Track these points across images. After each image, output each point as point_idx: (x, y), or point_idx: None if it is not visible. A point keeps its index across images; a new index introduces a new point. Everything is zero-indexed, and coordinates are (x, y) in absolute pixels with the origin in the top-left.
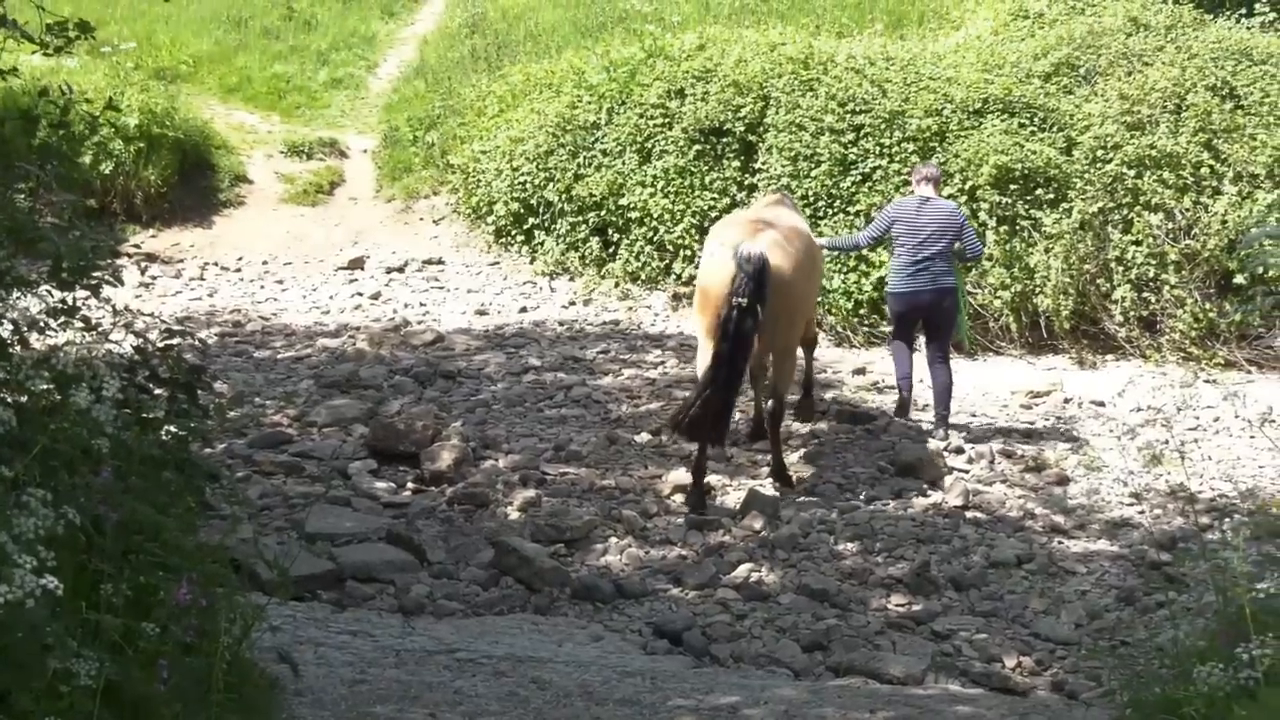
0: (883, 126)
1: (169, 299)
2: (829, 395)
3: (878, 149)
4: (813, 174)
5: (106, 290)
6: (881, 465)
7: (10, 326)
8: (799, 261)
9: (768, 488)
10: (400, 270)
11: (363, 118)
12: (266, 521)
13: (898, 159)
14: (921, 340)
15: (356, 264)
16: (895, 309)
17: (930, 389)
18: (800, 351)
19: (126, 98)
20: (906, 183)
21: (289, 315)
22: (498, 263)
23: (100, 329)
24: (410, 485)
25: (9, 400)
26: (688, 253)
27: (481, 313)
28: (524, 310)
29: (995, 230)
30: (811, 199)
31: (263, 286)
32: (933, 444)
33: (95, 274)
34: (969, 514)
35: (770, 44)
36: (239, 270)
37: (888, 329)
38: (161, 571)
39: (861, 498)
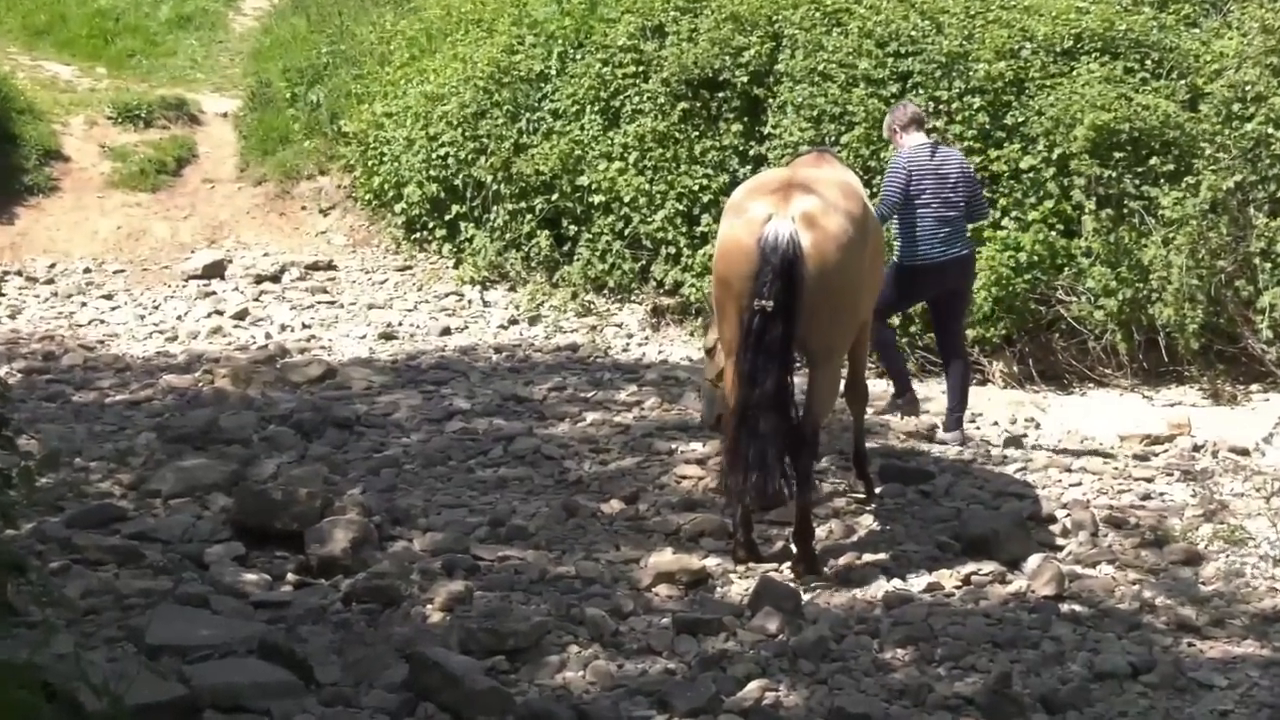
0: (938, 74)
1: None
2: (869, 444)
3: (931, 104)
4: (843, 140)
5: None
6: (942, 541)
7: None
8: (848, 238)
9: (785, 573)
10: (275, 279)
11: (221, 69)
12: (93, 630)
13: (959, 118)
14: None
15: (214, 271)
16: (911, 285)
17: (944, 383)
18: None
19: None
20: (973, 149)
21: (121, 343)
22: (410, 267)
23: None
24: (291, 577)
25: None
26: (671, 250)
27: (388, 336)
28: (447, 332)
29: (1095, 215)
30: None
31: (84, 304)
32: (949, 447)
33: None
34: (1065, 607)
35: None
36: (51, 281)
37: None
38: None
39: (916, 585)
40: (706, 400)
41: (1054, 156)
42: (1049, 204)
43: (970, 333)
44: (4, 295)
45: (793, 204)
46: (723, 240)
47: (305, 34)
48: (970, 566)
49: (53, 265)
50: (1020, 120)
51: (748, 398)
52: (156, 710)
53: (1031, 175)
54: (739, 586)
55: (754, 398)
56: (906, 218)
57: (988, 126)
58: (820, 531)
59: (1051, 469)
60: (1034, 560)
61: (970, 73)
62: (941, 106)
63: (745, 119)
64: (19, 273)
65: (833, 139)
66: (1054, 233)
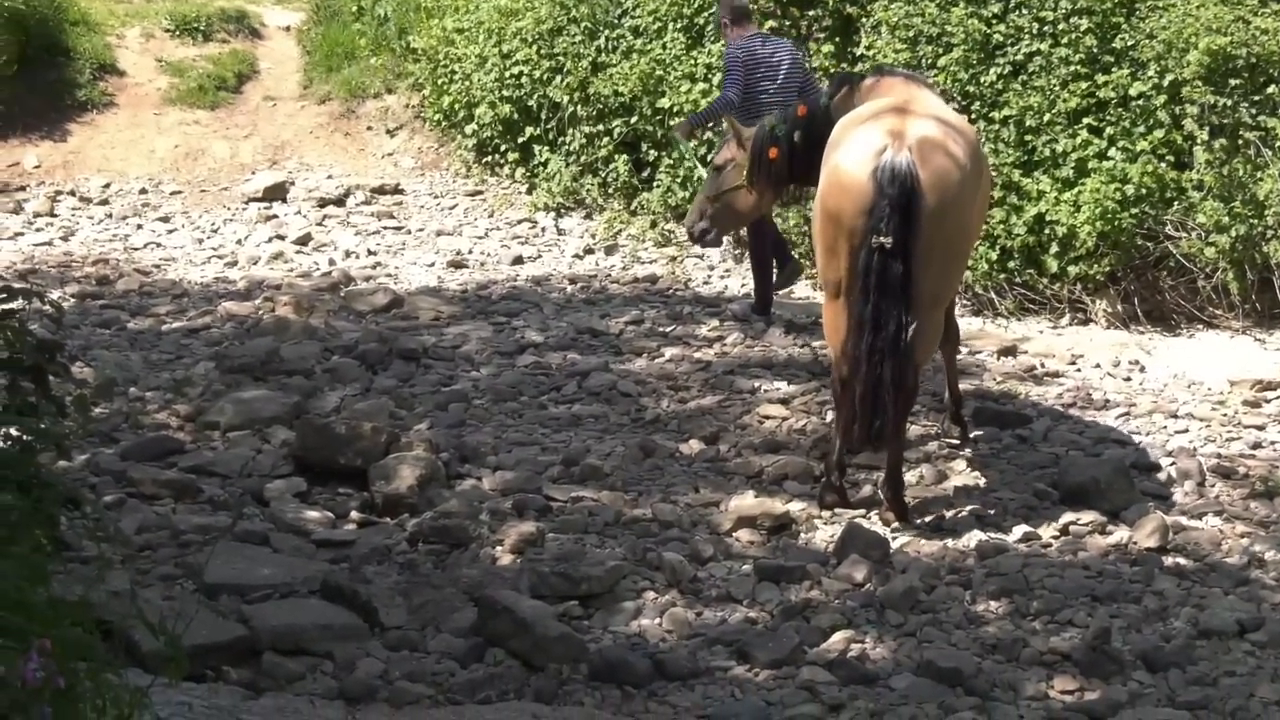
0: None
1: (5, 243)
2: (964, 385)
3: (1035, 26)
4: (940, 63)
5: None
6: (1040, 488)
7: None
8: (965, 172)
9: (873, 520)
10: (339, 203)
11: None
12: (149, 567)
13: (1065, 41)
14: None
15: (275, 193)
16: None
17: None
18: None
19: None
20: (1079, 74)
21: (178, 268)
22: (480, 192)
23: None
24: (355, 515)
25: None
26: None
27: (457, 265)
28: (519, 261)
29: (1207, 146)
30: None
31: (140, 226)
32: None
33: None
34: (1168, 560)
35: None
36: (106, 202)
37: (1045, 285)
38: (0, 638)
39: (1012, 535)
40: (696, 207)
41: (1165, 83)
42: (1159, 134)
43: (1072, 269)
44: (57, 216)
45: (909, 134)
46: (833, 173)
47: None
48: (1069, 516)
49: (107, 185)
50: (1130, 44)
51: (871, 343)
52: (215, 651)
53: (1141, 103)
54: (824, 533)
55: (878, 342)
56: (746, 107)
57: (1095, 50)
58: (911, 477)
59: (1156, 414)
60: (1136, 511)
61: None
62: (1046, 28)
63: (837, 39)
64: (72, 192)
65: (929, 61)
66: (1163, 164)
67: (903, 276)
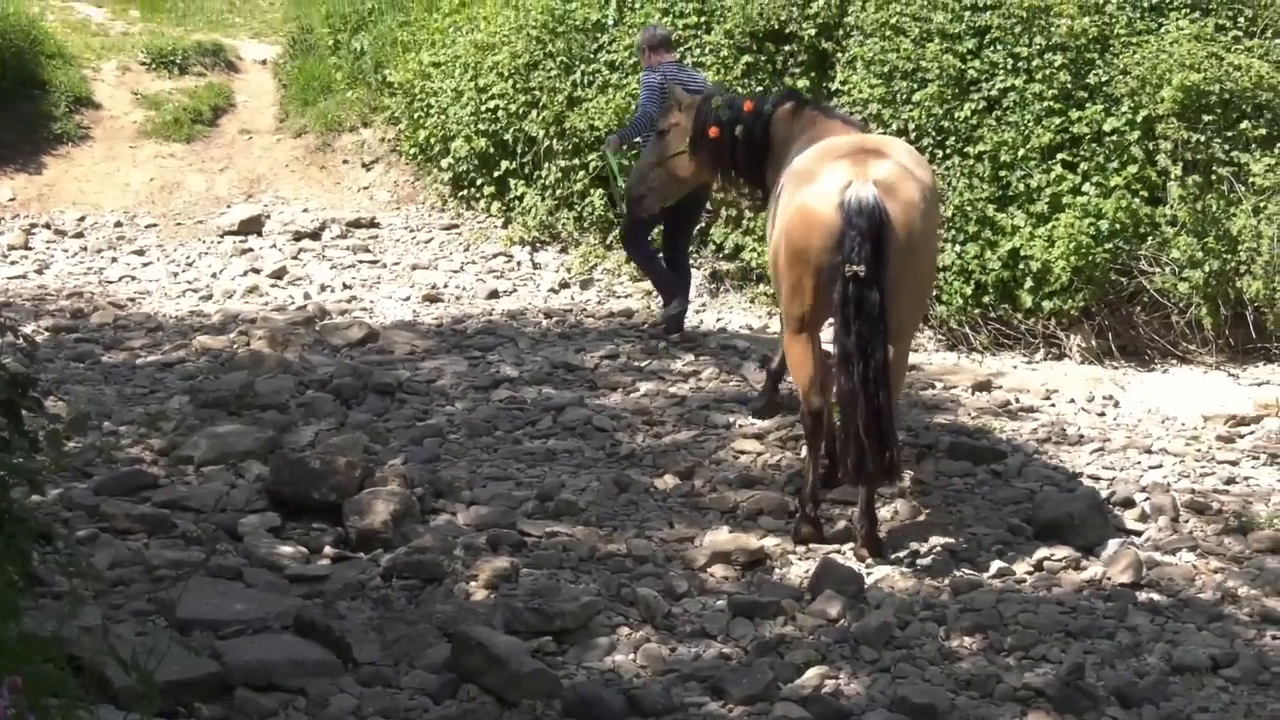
0: (1018, 30)
1: None
2: (938, 420)
3: (1010, 62)
4: (915, 98)
5: None
6: (1014, 524)
7: None
8: (926, 205)
9: (848, 556)
10: (315, 236)
11: (260, 14)
12: (121, 602)
13: (1039, 76)
14: None
15: (251, 226)
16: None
17: None
18: None
19: None
20: (1053, 110)
21: (153, 301)
22: (456, 226)
23: None
24: (329, 550)
25: None
26: (731, 212)
27: (433, 299)
28: (495, 295)
29: (1181, 181)
30: (914, 134)
31: (115, 259)
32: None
33: None
34: (1142, 595)
35: None
36: (81, 235)
37: (1020, 320)
38: None
39: (987, 571)
40: (639, 171)
41: (1139, 119)
42: (1133, 169)
43: (1047, 304)
44: (31, 249)
45: (870, 169)
46: (799, 210)
47: None
48: (1043, 551)
49: (82, 218)
50: (1104, 79)
51: (864, 373)
52: (187, 687)
53: (1115, 138)
54: (799, 568)
55: (869, 371)
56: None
57: (1069, 86)
58: (885, 513)
59: (1130, 450)
60: (1111, 546)
61: (1052, 28)
62: (1020, 64)
63: (812, 74)
64: (47, 225)
65: (904, 97)
66: (1137, 200)
67: (880, 304)
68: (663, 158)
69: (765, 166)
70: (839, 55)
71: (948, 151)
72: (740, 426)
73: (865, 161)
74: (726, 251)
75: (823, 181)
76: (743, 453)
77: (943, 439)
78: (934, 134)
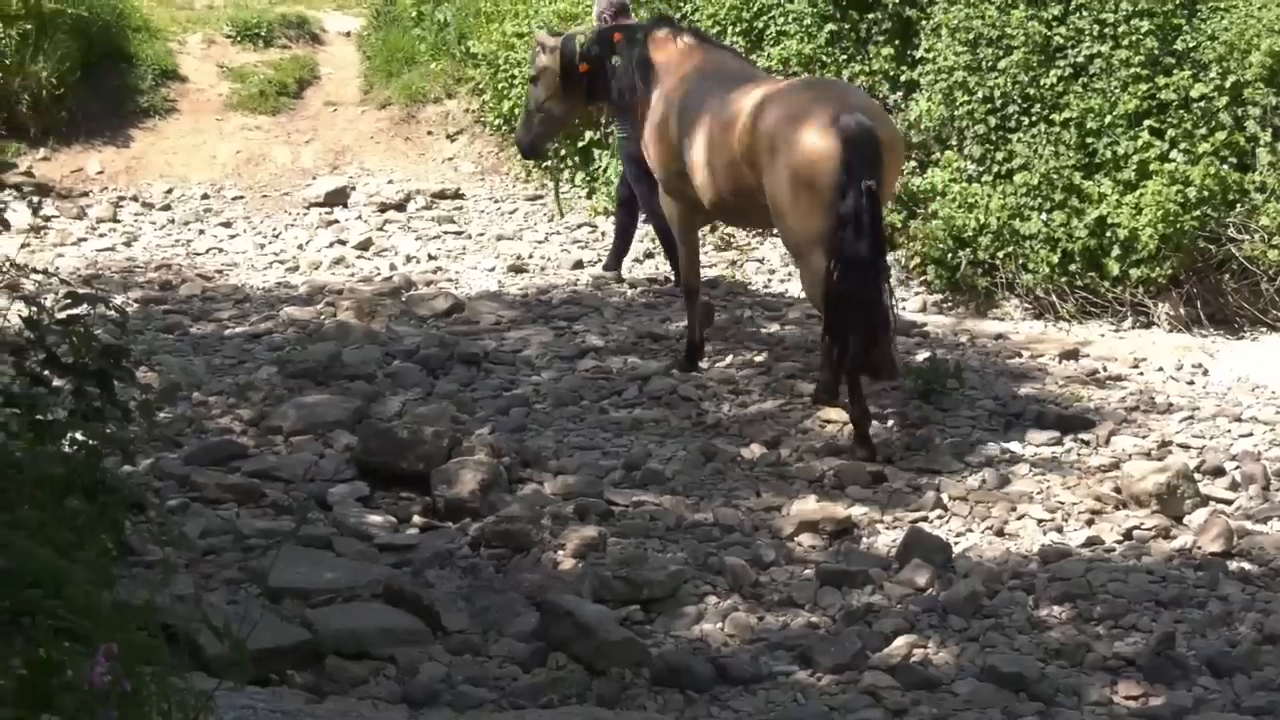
0: None
1: (69, 249)
2: (1023, 391)
3: (1096, 29)
4: (1000, 65)
5: None
6: (1102, 494)
7: None
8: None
9: (935, 525)
10: (400, 208)
11: None
12: (212, 571)
13: (1125, 43)
14: None
15: (337, 199)
16: None
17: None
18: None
19: None
20: (1139, 76)
21: (240, 273)
22: (540, 197)
23: None
24: (417, 520)
25: None
26: None
27: (518, 269)
28: (579, 266)
29: (1270, 148)
30: (998, 101)
31: (202, 231)
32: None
33: None
34: (1233, 564)
35: None
36: (168, 208)
37: (1107, 288)
38: (67, 641)
39: (1075, 540)
40: (522, 122)
41: (1227, 84)
42: (1221, 135)
43: (1134, 273)
44: (119, 221)
45: (851, 102)
46: (802, 147)
47: None
48: (1132, 520)
49: (169, 190)
50: (1191, 45)
51: (880, 268)
52: (279, 655)
53: (1202, 104)
54: (886, 537)
55: (882, 265)
56: None
57: (1156, 52)
58: (973, 481)
59: (1220, 418)
60: (1200, 515)
61: None
62: (1107, 30)
63: (897, 42)
64: (135, 198)
65: (989, 64)
66: (1226, 166)
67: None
68: (540, 102)
69: (642, 91)
70: (923, 22)
71: (1033, 119)
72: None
73: (844, 97)
74: None
75: (816, 117)
76: (829, 421)
77: (1030, 407)
78: (1019, 101)
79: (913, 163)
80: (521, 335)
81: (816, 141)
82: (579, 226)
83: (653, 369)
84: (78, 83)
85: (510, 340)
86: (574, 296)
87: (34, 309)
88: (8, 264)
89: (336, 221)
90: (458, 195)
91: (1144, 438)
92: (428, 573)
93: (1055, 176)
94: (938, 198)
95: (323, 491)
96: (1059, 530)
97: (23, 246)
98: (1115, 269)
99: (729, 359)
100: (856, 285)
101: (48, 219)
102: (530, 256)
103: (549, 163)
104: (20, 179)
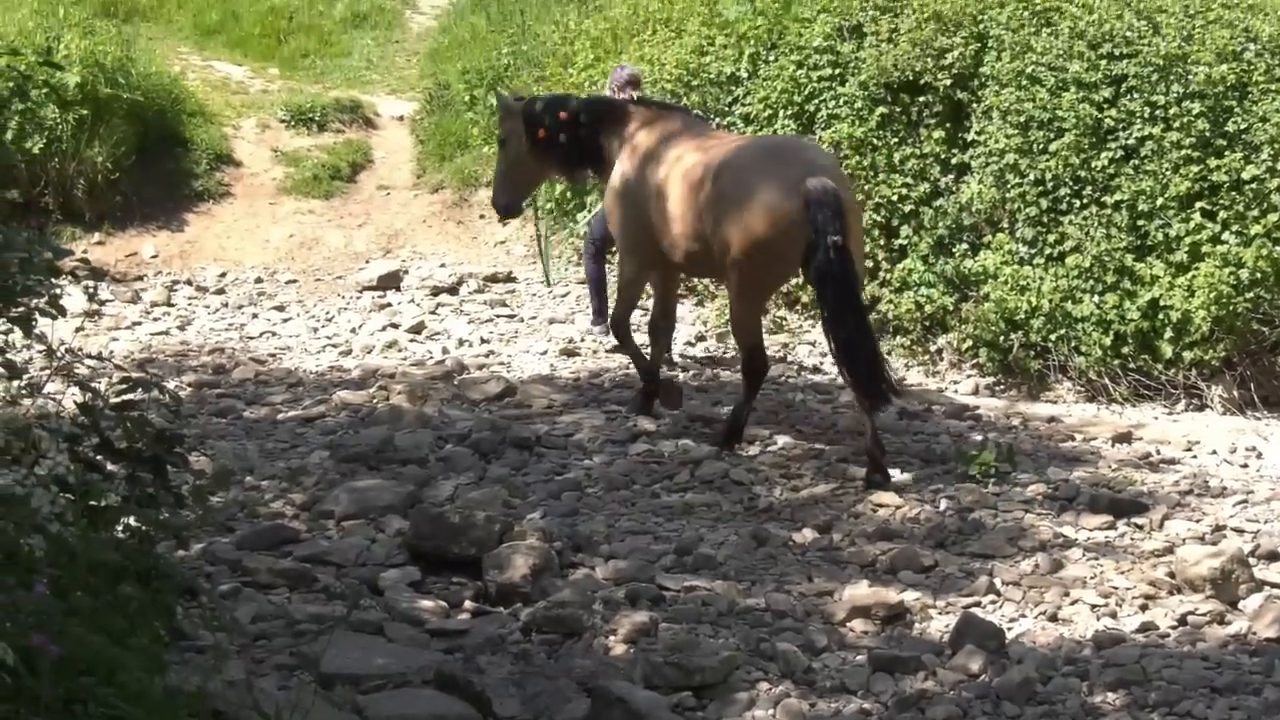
0: (1154, 78)
1: (123, 333)
2: (1076, 474)
3: (1147, 111)
4: (1051, 148)
5: (40, 323)
6: (1156, 579)
7: None
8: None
9: (988, 609)
10: (453, 291)
11: (397, 71)
12: (264, 656)
13: (1177, 125)
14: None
15: (389, 282)
16: None
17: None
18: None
19: (64, 45)
20: (1191, 158)
21: (294, 356)
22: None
23: (31, 377)
24: (469, 605)
25: None
26: (868, 263)
27: (570, 353)
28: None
29: None
30: (1050, 183)
31: (256, 315)
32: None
33: (25, 300)
34: None
35: None
36: (222, 291)
37: (1160, 371)
38: None
39: (1129, 625)
40: (496, 183)
41: (1279, 166)
42: (1273, 217)
43: (1187, 355)
44: (173, 305)
45: (812, 164)
46: (766, 209)
47: (485, 34)
48: (1186, 605)
49: (223, 274)
50: (1243, 127)
51: (860, 313)
52: None
53: (1254, 186)
54: (939, 622)
55: (861, 310)
56: None
57: (1207, 134)
58: (1026, 565)
59: (1275, 502)
60: (1256, 600)
61: (1189, 76)
62: (1158, 112)
63: (947, 125)
64: (189, 282)
65: (1040, 146)
66: (1278, 248)
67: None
68: (510, 164)
69: (598, 161)
70: (974, 105)
71: (1085, 201)
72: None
73: (806, 156)
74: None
75: (779, 180)
76: (881, 506)
77: (1083, 491)
78: (1071, 183)
79: (964, 245)
80: (573, 419)
81: (782, 203)
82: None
83: (704, 453)
84: (133, 167)
85: (562, 424)
86: (625, 380)
87: (89, 395)
88: (63, 349)
89: (389, 305)
90: (510, 279)
91: (1198, 522)
92: (479, 658)
93: (1107, 259)
94: (989, 280)
95: (374, 576)
96: (1113, 616)
97: (77, 330)
98: (1168, 351)
99: (780, 442)
100: (846, 331)
101: (102, 303)
102: (582, 340)
103: (540, 233)
104: (76, 264)
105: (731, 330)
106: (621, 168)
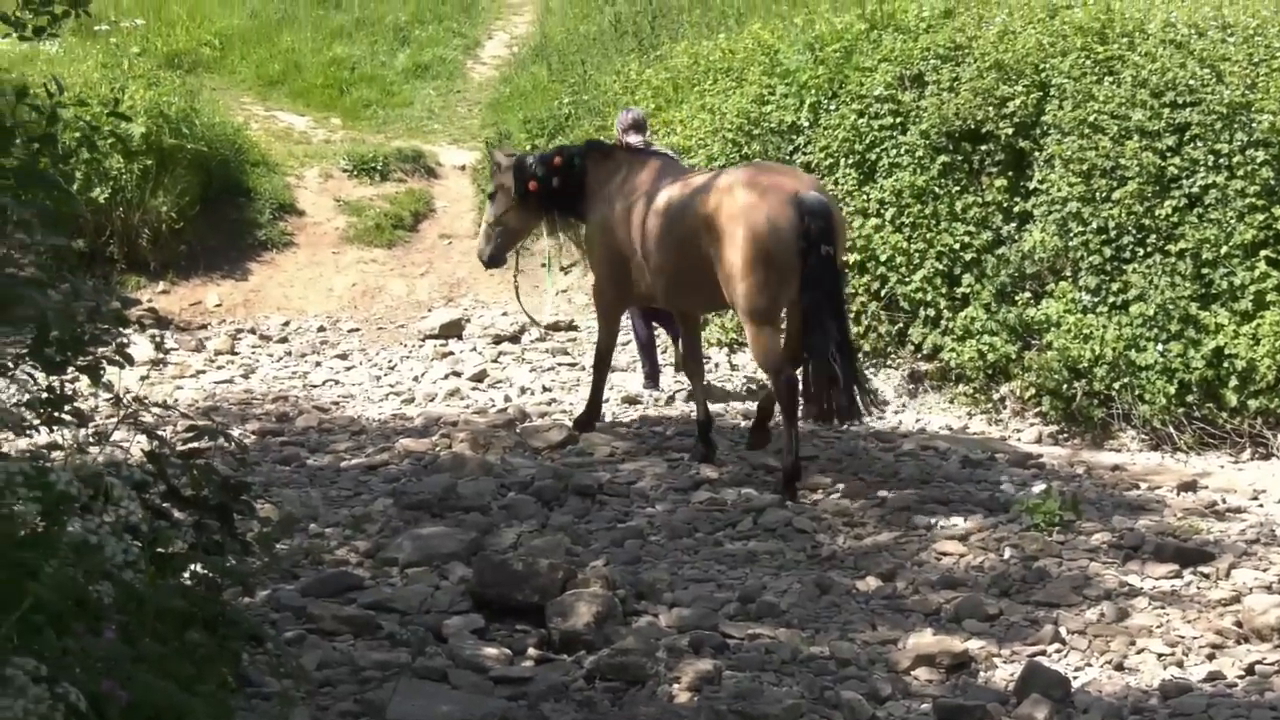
0: (1218, 126)
1: (187, 381)
2: (1141, 523)
3: (1211, 159)
4: (1114, 196)
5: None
6: (1222, 628)
7: None
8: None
9: (1053, 658)
10: (515, 339)
11: (459, 120)
12: (329, 703)
13: (1241, 173)
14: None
15: (451, 330)
16: None
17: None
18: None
19: (129, 95)
20: (1255, 206)
21: (357, 404)
22: (655, 328)
23: (97, 425)
24: (532, 652)
25: None
26: (930, 311)
27: (631, 400)
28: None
29: None
30: (1113, 232)
31: (319, 363)
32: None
33: (94, 349)
34: None
35: (1049, 7)
36: (285, 340)
37: (1225, 419)
38: None
39: (1195, 674)
40: (482, 234)
41: None
42: None
43: (1252, 403)
44: (237, 354)
45: (801, 183)
46: (760, 225)
47: (546, 83)
48: (1254, 655)
49: (287, 323)
50: None
51: (840, 326)
52: None
53: None
54: (1004, 671)
55: (844, 326)
56: None
57: (1272, 182)
58: (1091, 614)
59: None
60: None
61: (1253, 124)
62: (1222, 160)
63: (1009, 174)
64: (252, 330)
65: (1104, 194)
66: None
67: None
68: (497, 216)
69: (584, 202)
70: (1036, 154)
71: (1148, 249)
72: (942, 527)
73: (795, 177)
74: (925, 351)
75: (771, 197)
76: (945, 554)
77: (1148, 540)
78: (1134, 232)
79: (1027, 293)
80: (636, 467)
81: (780, 215)
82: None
83: (767, 501)
84: (197, 216)
85: (624, 472)
86: (687, 428)
87: (156, 443)
88: (129, 397)
89: (451, 353)
90: (571, 327)
91: (1265, 570)
92: (543, 706)
93: (1171, 307)
94: (1052, 328)
95: (438, 623)
96: (1179, 665)
97: (142, 379)
98: (1233, 400)
99: (843, 490)
100: (822, 336)
101: (167, 351)
102: (644, 387)
103: (517, 281)
104: (142, 313)
105: (754, 359)
106: (603, 206)
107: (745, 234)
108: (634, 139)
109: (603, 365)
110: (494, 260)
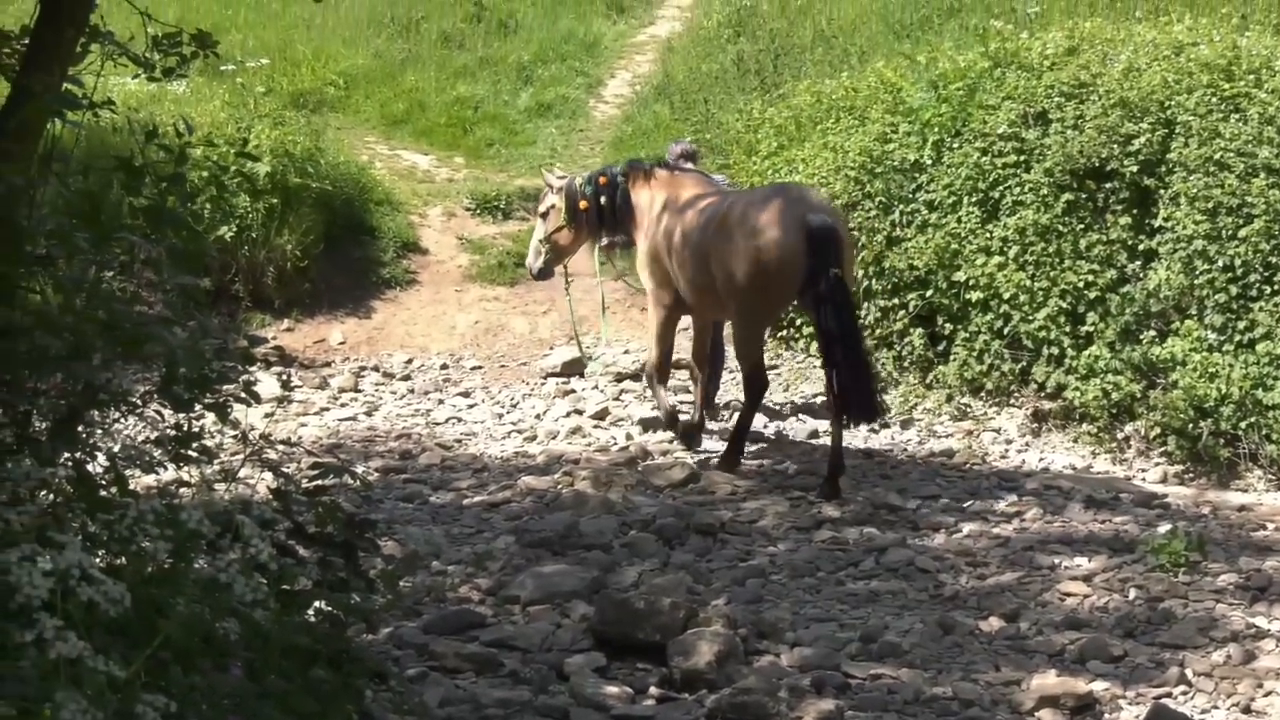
0: None
1: (311, 418)
2: (1269, 564)
3: None
4: (1241, 234)
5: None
6: None
7: (105, 461)
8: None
9: (1179, 700)
10: (636, 377)
11: (581, 158)
12: None
13: None
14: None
15: (573, 368)
16: None
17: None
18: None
19: (255, 135)
20: None
21: (479, 442)
22: (775, 366)
23: (223, 463)
24: (654, 691)
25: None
26: (1053, 350)
27: (753, 439)
28: (814, 435)
29: None
30: (1239, 270)
31: (441, 401)
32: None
33: (221, 387)
34: None
35: (1174, 44)
36: (408, 378)
37: None
38: None
39: None
40: (532, 249)
41: None
42: None
43: None
44: (361, 391)
45: (811, 203)
46: (774, 243)
47: (668, 122)
48: None
49: (409, 361)
50: None
51: (855, 330)
52: None
53: None
54: (1129, 713)
55: (858, 336)
56: None
57: None
58: (1218, 656)
59: None
60: None
61: None
62: None
63: (1134, 211)
64: (376, 368)
65: (1230, 232)
66: None
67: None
68: (547, 234)
69: (631, 220)
70: (1161, 192)
71: (1275, 287)
72: (1065, 568)
73: (804, 197)
74: (1049, 390)
75: (783, 220)
76: (1069, 595)
77: (1276, 580)
78: (1261, 270)
79: (1151, 332)
80: (757, 505)
81: (787, 237)
82: (814, 396)
83: (889, 540)
84: (321, 255)
85: (746, 510)
86: (809, 467)
87: (281, 480)
88: (255, 434)
89: (573, 391)
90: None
91: None
92: None
93: None
94: (1178, 367)
95: (560, 661)
96: None
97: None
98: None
99: (966, 530)
100: (840, 350)
101: (292, 389)
102: (765, 427)
103: (570, 297)
104: (267, 351)
105: (734, 351)
106: (651, 224)
107: (756, 251)
108: (687, 168)
109: (657, 380)
110: (543, 274)
